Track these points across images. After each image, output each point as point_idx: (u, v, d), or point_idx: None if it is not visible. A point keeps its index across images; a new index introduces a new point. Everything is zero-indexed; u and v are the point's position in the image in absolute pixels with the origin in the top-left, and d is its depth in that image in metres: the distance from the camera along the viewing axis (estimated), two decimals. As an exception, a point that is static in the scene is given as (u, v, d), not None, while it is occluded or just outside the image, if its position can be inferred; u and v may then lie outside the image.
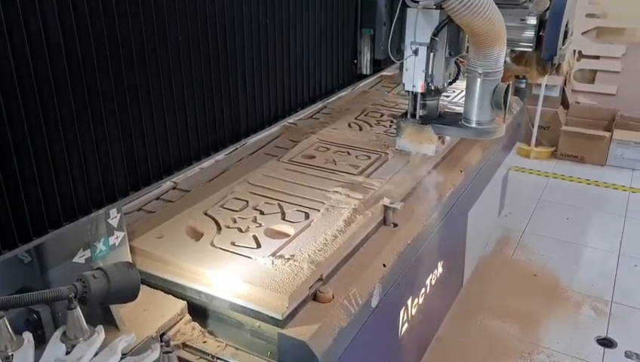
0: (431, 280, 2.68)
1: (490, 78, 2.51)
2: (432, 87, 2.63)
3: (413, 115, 2.73)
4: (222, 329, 1.89)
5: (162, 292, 1.90)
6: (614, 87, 6.30)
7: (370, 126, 3.22)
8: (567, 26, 3.14)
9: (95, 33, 1.51)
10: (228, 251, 1.97)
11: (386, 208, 2.31)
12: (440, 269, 2.80)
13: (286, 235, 2.09)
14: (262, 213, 2.24)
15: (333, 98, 3.14)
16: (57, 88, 1.44)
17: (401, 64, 2.62)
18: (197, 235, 2.09)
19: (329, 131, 3.12)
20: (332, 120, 3.30)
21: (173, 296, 1.89)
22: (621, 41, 6.24)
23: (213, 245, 2.01)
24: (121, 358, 1.30)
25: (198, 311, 1.91)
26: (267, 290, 1.76)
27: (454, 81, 2.74)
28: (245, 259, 1.92)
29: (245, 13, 2.04)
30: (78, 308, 1.32)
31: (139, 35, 1.63)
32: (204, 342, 1.80)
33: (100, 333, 1.34)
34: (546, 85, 5.99)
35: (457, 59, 2.67)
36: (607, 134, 5.98)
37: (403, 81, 2.65)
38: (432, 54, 2.52)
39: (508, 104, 2.57)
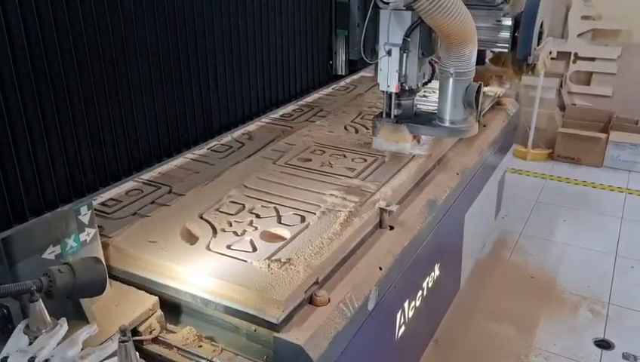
0: (428, 282, 2.68)
1: (462, 77, 2.56)
2: (406, 87, 2.69)
3: (389, 115, 2.78)
4: (217, 333, 1.88)
5: (135, 288, 1.91)
6: (610, 88, 6.31)
7: (367, 128, 3.21)
8: (542, 26, 3.22)
9: (59, 31, 1.53)
10: (224, 255, 1.96)
11: (382, 211, 2.30)
12: (437, 272, 2.80)
13: (282, 239, 2.08)
14: (258, 216, 2.23)
15: (311, 97, 3.21)
16: (21, 84, 1.45)
17: (376, 65, 2.67)
18: (192, 239, 2.08)
19: (325, 134, 3.12)
20: (328, 123, 3.30)
21: (165, 299, 1.88)
22: (617, 43, 6.26)
23: (208, 249, 2.00)
24: (82, 349, 1.32)
25: (193, 315, 1.90)
26: (263, 294, 1.75)
27: (429, 81, 2.80)
28: (241, 262, 1.91)
29: (216, 14, 2.07)
30: (41, 301, 1.34)
31: (105, 34, 1.65)
32: (200, 346, 1.79)
33: (63, 325, 1.37)
34: (542, 87, 6.00)
35: (432, 59, 2.72)
36: (603, 136, 5.99)
37: (378, 81, 2.71)
38: (404, 55, 2.58)
39: (480, 103, 2.62)
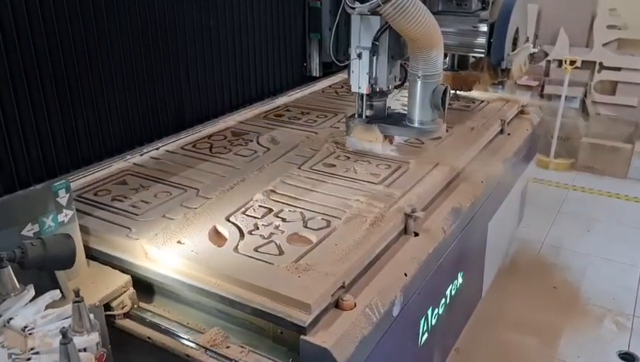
0: (451, 290, 2.67)
1: (429, 80, 2.65)
2: (377, 89, 2.79)
3: (360, 115, 2.88)
4: (244, 334, 1.90)
5: (110, 268, 2.04)
6: (635, 98, 6.24)
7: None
8: (517, 32, 3.36)
9: (32, 23, 1.68)
10: (251, 257, 1.99)
11: (407, 217, 2.31)
12: (460, 280, 2.79)
13: (308, 243, 2.10)
14: (284, 220, 2.25)
15: (285, 96, 3.36)
16: None
17: (349, 67, 2.77)
18: (220, 241, 2.11)
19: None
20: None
21: (190, 300, 1.90)
22: (643, 53, 6.19)
23: (236, 251, 2.03)
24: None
25: (218, 316, 1.93)
26: (290, 297, 1.77)
27: (402, 84, 2.88)
28: (268, 265, 1.94)
29: (187, 13, 2.21)
30: (9, 267, 1.49)
31: (77, 25, 1.80)
32: (227, 347, 1.81)
33: (30, 291, 1.52)
34: (566, 97, 5.95)
35: (404, 63, 2.79)
36: (628, 146, 5.91)
37: (350, 83, 2.81)
38: (374, 58, 2.67)
39: (446, 105, 2.70)
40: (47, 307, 1.48)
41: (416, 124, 2.78)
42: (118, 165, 2.78)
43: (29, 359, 1.27)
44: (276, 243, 2.08)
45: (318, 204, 2.39)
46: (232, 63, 2.47)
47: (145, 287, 2.11)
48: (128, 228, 2.20)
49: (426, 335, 2.41)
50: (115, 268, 2.10)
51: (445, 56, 3.71)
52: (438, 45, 2.58)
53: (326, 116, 3.51)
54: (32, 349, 1.31)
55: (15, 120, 1.67)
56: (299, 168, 2.77)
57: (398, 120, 2.87)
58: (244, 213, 2.31)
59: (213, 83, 2.40)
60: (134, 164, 2.81)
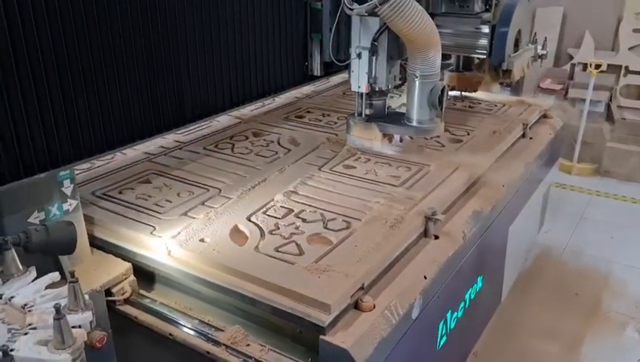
0: (470, 294, 2.66)
1: (427, 80, 2.69)
2: (377, 88, 2.84)
3: (360, 114, 2.93)
4: (263, 333, 1.93)
5: (113, 256, 2.15)
6: (662, 103, 6.12)
7: (411, 138, 3.22)
8: (519, 34, 3.41)
9: (37, 17, 1.76)
10: (272, 257, 2.01)
11: (428, 220, 2.31)
12: (479, 284, 2.78)
13: (328, 243, 2.12)
14: (304, 220, 2.27)
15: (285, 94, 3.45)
16: (2, 61, 1.70)
17: (349, 67, 2.82)
18: (241, 240, 2.14)
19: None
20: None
21: (210, 297, 1.93)
22: (670, 57, 6.07)
23: (257, 250, 2.05)
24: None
25: (237, 313, 1.96)
26: (309, 297, 1.78)
27: (402, 84, 2.93)
28: (288, 265, 1.96)
29: (188, 15, 2.29)
30: (13, 250, 1.59)
31: (79, 20, 1.89)
32: (248, 345, 1.83)
33: (32, 272, 1.60)
34: (591, 100, 5.87)
35: (404, 63, 2.83)
36: (654, 152, 5.80)
37: (350, 82, 2.88)
38: (373, 58, 2.73)
39: (444, 104, 2.74)
40: (46, 288, 1.58)
41: (414, 123, 2.83)
42: (143, 165, 2.85)
43: (26, 333, 1.37)
44: (297, 244, 2.10)
45: (338, 205, 2.40)
46: (231, 62, 2.57)
47: (166, 283, 2.15)
48: (152, 226, 2.24)
49: (444, 339, 2.40)
50: (138, 265, 2.16)
51: (450, 57, 3.80)
52: (436, 46, 2.64)
53: (347, 118, 3.51)
54: (29, 325, 1.40)
55: (20, 110, 1.78)
56: (319, 169, 2.79)
57: (397, 119, 2.93)
58: (265, 213, 2.34)
59: (214, 80, 2.49)
60: (158, 163, 2.87)
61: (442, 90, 2.69)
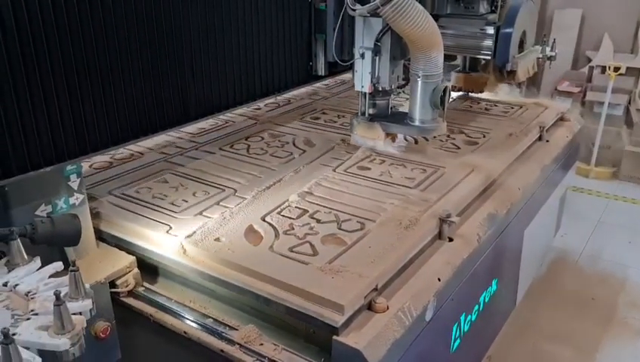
0: (484, 297, 2.64)
1: (429, 80, 2.73)
2: (380, 88, 2.88)
3: (364, 113, 2.98)
4: (276, 333, 1.94)
5: (117, 249, 2.21)
6: (683, 107, 6.02)
7: (426, 140, 3.22)
8: (524, 35, 3.44)
9: (44, 17, 1.83)
10: (286, 257, 2.02)
11: (442, 222, 2.30)
12: (494, 286, 2.76)
13: (342, 244, 2.12)
14: (318, 221, 2.28)
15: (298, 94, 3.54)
16: (11, 62, 1.77)
17: (353, 67, 2.87)
18: (256, 240, 2.16)
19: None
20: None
21: (224, 296, 1.95)
22: (691, 60, 5.98)
23: (271, 250, 2.06)
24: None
25: (251, 313, 1.97)
26: (323, 297, 1.79)
27: (406, 84, 2.95)
28: (302, 265, 1.97)
29: (192, 15, 2.35)
30: (19, 240, 1.65)
31: (85, 20, 1.96)
32: (261, 344, 1.85)
33: (36, 261, 1.66)
34: (609, 104, 5.80)
35: (408, 63, 2.85)
36: (674, 156, 5.71)
37: (354, 82, 2.91)
38: (376, 58, 2.77)
39: (446, 104, 2.77)
40: (50, 277, 1.63)
41: (417, 123, 2.87)
42: (160, 164, 2.88)
43: (28, 319, 1.44)
44: (311, 244, 2.11)
45: (352, 206, 2.41)
46: (236, 62, 2.64)
47: (181, 282, 2.18)
48: (168, 225, 2.27)
49: (458, 342, 2.40)
50: (152, 264, 2.18)
51: (455, 58, 3.84)
52: (438, 46, 2.67)
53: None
54: (32, 311, 1.47)
55: (28, 107, 1.85)
56: (334, 170, 2.79)
57: (400, 118, 2.96)
58: (279, 213, 2.35)
59: (218, 79, 2.56)
60: (175, 163, 2.90)
61: (444, 91, 2.72)
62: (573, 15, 6.72)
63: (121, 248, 2.26)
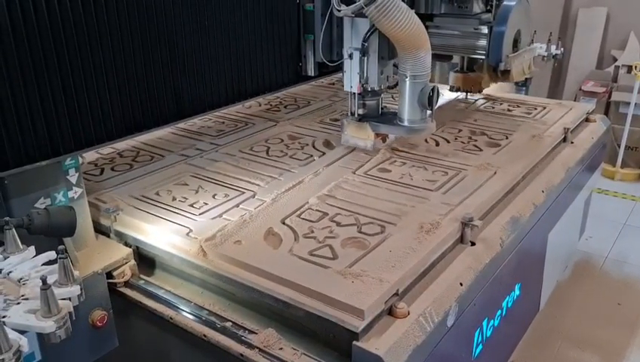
0: (507, 302, 2.59)
1: (417, 80, 2.74)
2: (369, 89, 2.88)
3: (353, 113, 2.98)
4: (295, 337, 1.92)
5: (115, 241, 2.29)
6: None
7: (448, 142, 3.18)
8: (519, 34, 3.40)
9: (37, 14, 1.87)
10: (306, 260, 2.00)
11: (464, 225, 2.26)
12: (517, 291, 2.71)
13: (362, 248, 2.10)
14: (338, 224, 2.26)
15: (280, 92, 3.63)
16: (7, 59, 1.83)
17: (342, 67, 2.88)
18: (276, 243, 2.15)
19: (405, 146, 3.10)
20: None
21: (243, 299, 1.94)
22: None
23: (291, 253, 2.05)
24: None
25: (272, 317, 1.96)
26: (343, 302, 1.77)
27: (396, 84, 2.93)
28: (322, 269, 1.95)
29: (184, 16, 2.41)
30: (14, 230, 1.70)
31: (79, 20, 2.00)
32: (280, 349, 1.83)
33: (31, 250, 1.72)
34: (636, 104, 5.67)
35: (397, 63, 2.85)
36: (703, 157, 5.56)
37: (343, 82, 2.93)
38: (365, 58, 2.77)
39: (434, 104, 2.76)
40: (43, 265, 1.69)
41: (405, 123, 2.88)
42: (180, 166, 2.90)
43: (18, 303, 1.51)
44: (331, 247, 2.09)
45: (372, 209, 2.38)
46: (227, 61, 2.69)
47: (201, 284, 2.18)
48: (188, 228, 2.27)
49: (480, 347, 2.35)
50: (172, 266, 2.18)
51: (451, 58, 3.82)
52: (425, 46, 2.66)
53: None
54: (22, 296, 1.54)
55: (23, 102, 1.89)
56: (354, 173, 2.77)
57: (390, 118, 2.97)
58: (299, 216, 2.34)
59: (210, 78, 2.63)
60: (195, 165, 2.91)
61: (432, 90, 2.71)
62: (598, 13, 6.59)
63: (140, 251, 2.27)
